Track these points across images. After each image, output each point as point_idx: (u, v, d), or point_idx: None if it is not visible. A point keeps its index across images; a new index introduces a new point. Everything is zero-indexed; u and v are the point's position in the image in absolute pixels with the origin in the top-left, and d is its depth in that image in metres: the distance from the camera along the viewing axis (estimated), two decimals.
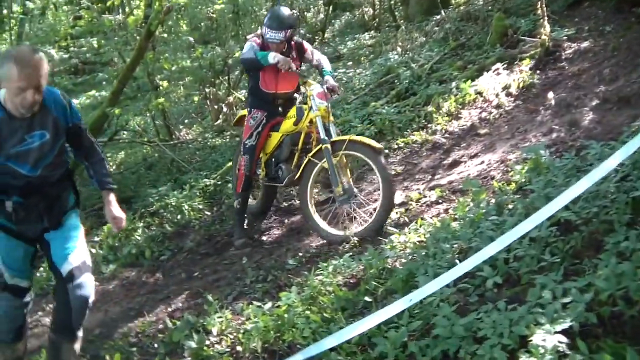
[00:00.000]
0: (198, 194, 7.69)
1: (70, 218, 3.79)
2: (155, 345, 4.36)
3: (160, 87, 10.23)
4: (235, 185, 6.31)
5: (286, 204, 6.75)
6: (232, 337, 4.01)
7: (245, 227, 6.27)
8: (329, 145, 5.43)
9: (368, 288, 3.86)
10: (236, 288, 4.97)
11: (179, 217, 7.35)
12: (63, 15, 13.38)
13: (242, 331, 3.94)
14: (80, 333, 3.62)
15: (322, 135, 5.48)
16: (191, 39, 11.13)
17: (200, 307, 4.77)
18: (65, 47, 12.82)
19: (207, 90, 10.98)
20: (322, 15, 16.40)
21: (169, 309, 5.03)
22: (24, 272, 3.70)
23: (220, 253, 6.18)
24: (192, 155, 10.07)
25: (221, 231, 6.72)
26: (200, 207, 7.50)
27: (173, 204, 7.56)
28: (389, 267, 4.04)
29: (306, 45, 6.07)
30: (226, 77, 11.82)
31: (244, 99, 10.64)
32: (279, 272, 4.95)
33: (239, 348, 3.87)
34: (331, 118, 5.66)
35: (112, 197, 3.82)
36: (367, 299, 3.76)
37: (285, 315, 3.78)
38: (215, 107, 11.34)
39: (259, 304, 4.14)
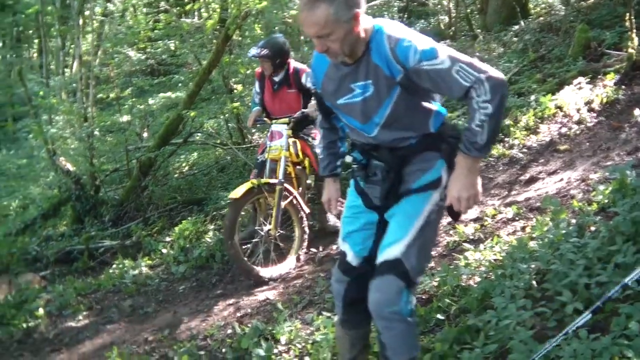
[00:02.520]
0: None
1: (416, 197, 2.85)
2: (223, 350, 4.37)
3: (235, 91, 10.31)
4: None
5: None
6: (300, 347, 3.99)
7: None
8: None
9: (441, 305, 3.78)
10: (305, 297, 4.95)
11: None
12: (142, 18, 13.65)
13: (311, 342, 3.92)
14: None
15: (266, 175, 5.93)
16: None
17: (269, 314, 4.77)
18: (143, 49, 13.08)
19: None
20: None
21: (238, 314, 5.04)
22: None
23: None
24: None
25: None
26: None
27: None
28: (464, 285, 3.95)
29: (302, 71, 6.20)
30: None
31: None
32: None
33: (307, 359, 3.85)
34: (285, 153, 5.92)
35: (462, 165, 2.65)
36: (439, 316, 3.69)
37: None
38: None
39: (329, 314, 4.11)
